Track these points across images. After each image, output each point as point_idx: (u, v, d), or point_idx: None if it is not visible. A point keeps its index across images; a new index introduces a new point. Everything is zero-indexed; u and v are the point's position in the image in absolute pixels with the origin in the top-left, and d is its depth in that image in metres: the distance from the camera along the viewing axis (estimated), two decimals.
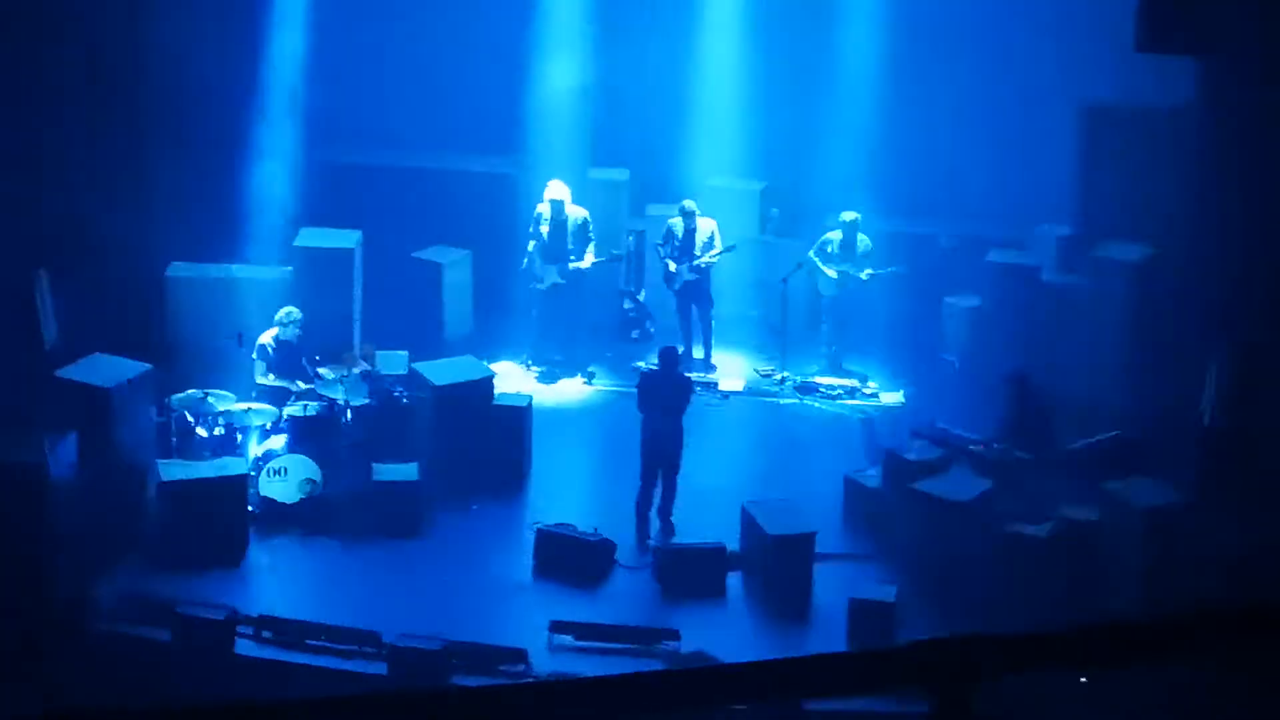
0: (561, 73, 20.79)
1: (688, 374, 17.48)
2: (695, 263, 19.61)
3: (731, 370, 19.85)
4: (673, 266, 19.71)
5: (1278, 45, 15.12)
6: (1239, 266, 15.74)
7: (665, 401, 16.07)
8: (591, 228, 19.38)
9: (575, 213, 19.31)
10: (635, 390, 16.51)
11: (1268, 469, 15.07)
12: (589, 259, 19.33)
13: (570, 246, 19.30)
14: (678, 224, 19.70)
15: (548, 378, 19.31)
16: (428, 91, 21.03)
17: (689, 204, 19.78)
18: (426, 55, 21.09)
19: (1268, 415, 15.19)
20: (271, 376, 17.04)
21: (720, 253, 19.63)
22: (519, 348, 19.54)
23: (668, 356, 16.35)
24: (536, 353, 19.51)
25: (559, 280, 19.32)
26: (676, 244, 19.71)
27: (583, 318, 19.82)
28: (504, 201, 20.14)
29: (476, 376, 17.50)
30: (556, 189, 19.28)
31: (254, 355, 17.08)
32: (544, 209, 19.28)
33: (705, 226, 19.66)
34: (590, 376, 19.46)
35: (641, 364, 19.26)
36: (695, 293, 19.77)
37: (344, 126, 20.33)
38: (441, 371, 17.44)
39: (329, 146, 20.04)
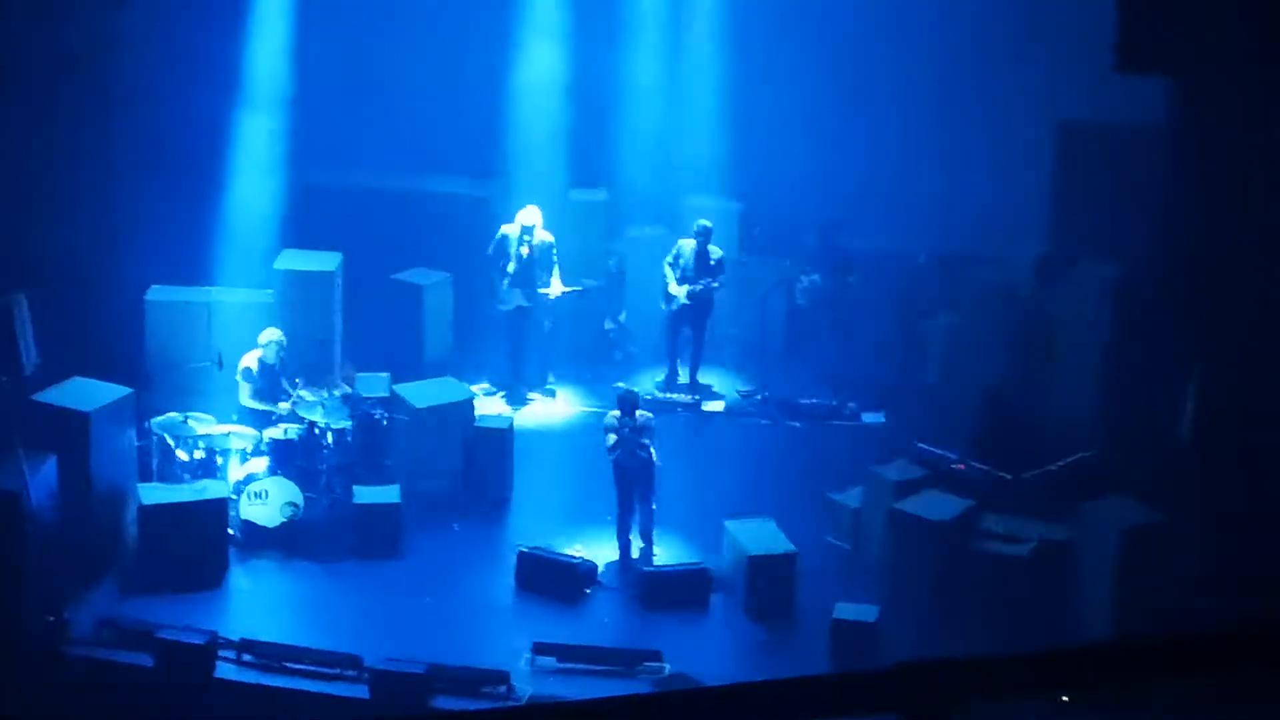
0: (541, 93, 20.82)
1: (668, 396, 17.46)
2: (697, 288, 19.38)
3: (712, 390, 19.84)
4: (676, 290, 19.46)
5: (1253, 66, 15.19)
6: (1213, 284, 15.80)
7: (628, 444, 16.04)
8: (555, 253, 19.26)
9: (542, 238, 19.20)
10: (602, 430, 16.38)
11: (1243, 488, 15.11)
12: (556, 288, 19.15)
13: (537, 272, 19.16)
14: (687, 245, 19.55)
15: (514, 399, 19.22)
16: (407, 114, 21.05)
17: (706, 223, 19.62)
18: (406, 77, 21.11)
19: (1244, 434, 15.23)
20: (255, 400, 17.01)
21: (718, 283, 19.46)
22: (489, 372, 19.48)
23: (626, 402, 16.29)
24: (500, 376, 19.42)
25: (524, 304, 19.22)
26: (683, 265, 19.52)
27: (552, 340, 19.73)
28: (484, 224, 20.11)
29: (457, 398, 17.53)
30: (530, 215, 19.15)
31: (238, 378, 17.04)
32: (511, 231, 19.16)
33: (714, 252, 19.53)
34: (551, 393, 19.38)
35: (621, 384, 19.32)
36: (692, 317, 19.60)
37: (324, 149, 20.33)
38: (422, 393, 17.46)
39: (309, 169, 20.03)
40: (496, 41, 20.78)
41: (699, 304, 19.45)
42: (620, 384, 16.26)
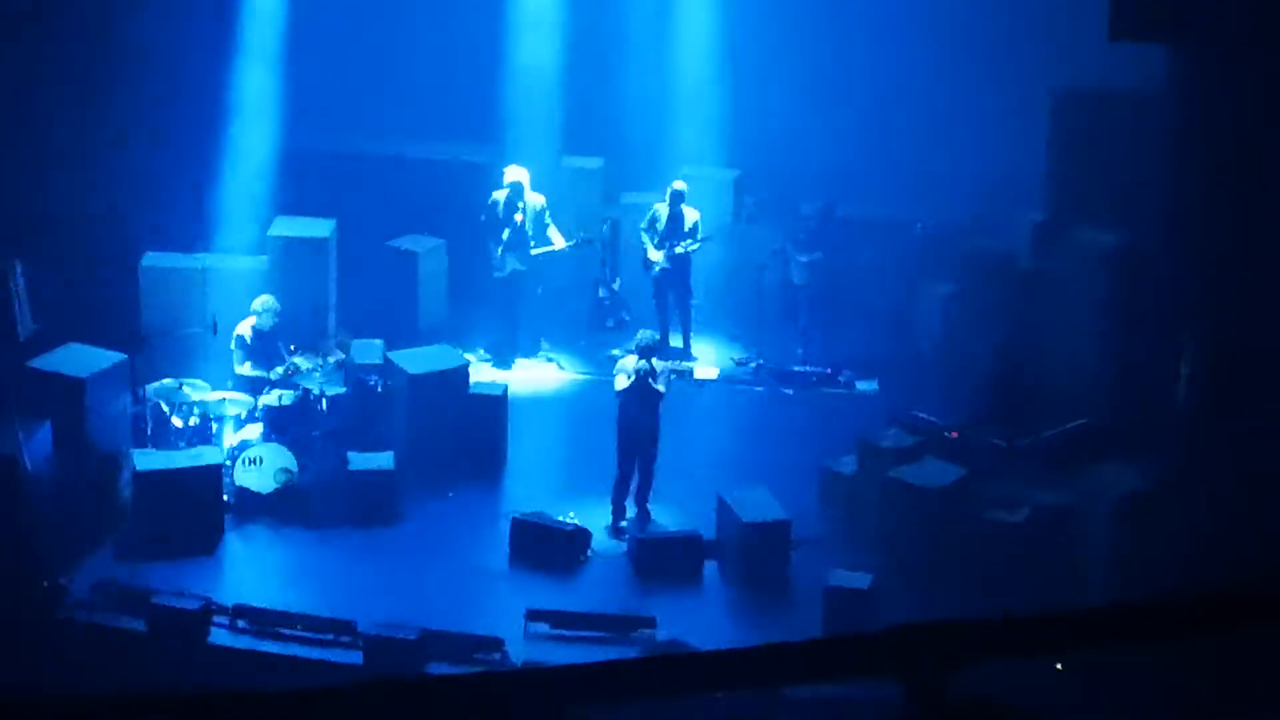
0: (535, 60, 20.77)
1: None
2: (673, 250, 19.53)
3: (707, 358, 19.85)
4: (654, 254, 19.59)
5: (1250, 33, 15.16)
6: (1211, 252, 15.79)
7: (643, 390, 16.03)
8: (549, 215, 19.25)
9: (533, 200, 19.18)
10: (613, 373, 16.40)
11: (1241, 454, 15.12)
12: (560, 242, 19.21)
13: (530, 234, 19.17)
14: (663, 209, 19.60)
15: (501, 363, 19.20)
16: (401, 79, 20.99)
17: (680, 185, 19.63)
18: (400, 42, 21.04)
19: (1240, 401, 15.24)
20: (249, 365, 16.99)
21: (698, 242, 19.55)
22: (483, 338, 19.44)
23: (646, 348, 16.25)
24: (494, 342, 19.40)
25: (519, 267, 19.20)
26: (659, 229, 19.61)
27: (546, 305, 19.73)
28: (479, 190, 20.08)
29: (451, 365, 17.51)
30: (516, 173, 19.15)
31: (232, 345, 17.02)
32: (501, 195, 19.17)
33: (690, 214, 19.57)
34: (550, 358, 19.39)
35: (617, 352, 19.28)
36: (674, 280, 19.70)
37: (318, 115, 20.27)
38: (416, 360, 17.45)
39: (303, 135, 19.97)
40: (493, 5, 20.71)
41: (677, 267, 19.53)
42: (645, 332, 16.28)
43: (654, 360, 16.07)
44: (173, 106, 18.43)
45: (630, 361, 16.13)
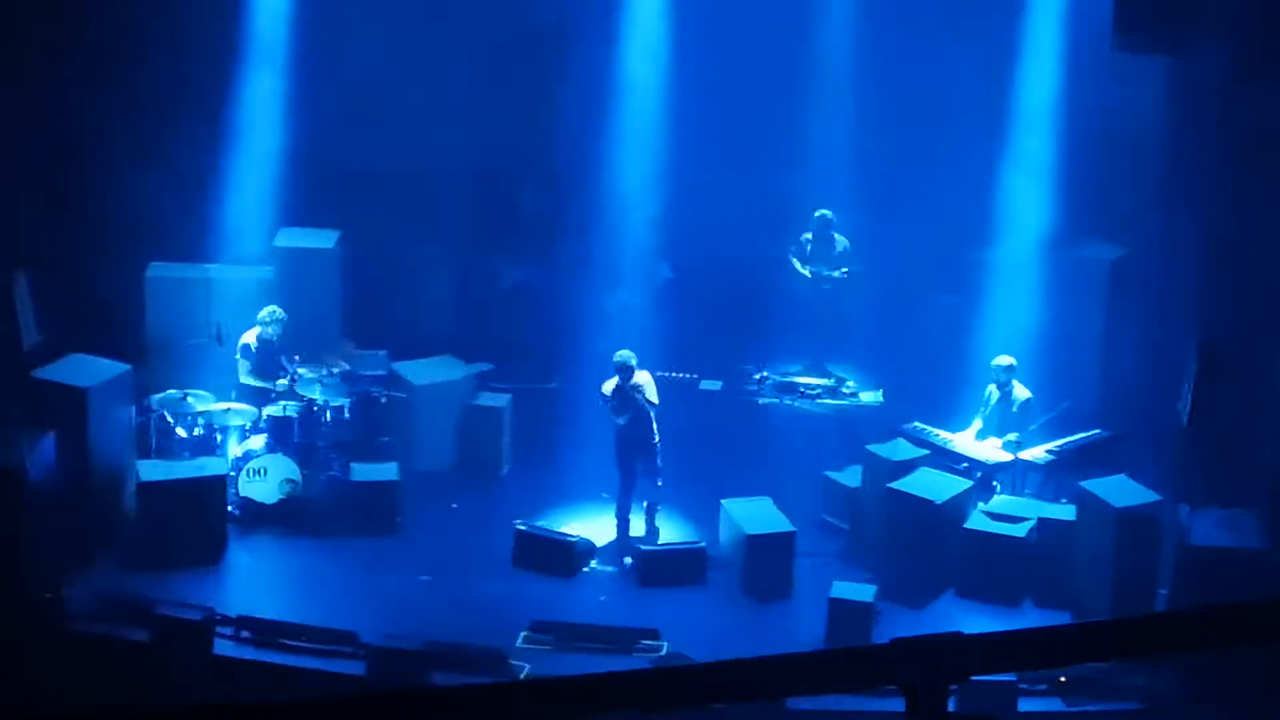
0: (535, 67, 20.81)
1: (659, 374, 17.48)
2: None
3: (711, 370, 19.82)
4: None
5: (1250, 45, 15.17)
6: (1211, 265, 15.80)
7: (628, 409, 16.05)
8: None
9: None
10: (601, 398, 16.41)
11: (1241, 468, 15.13)
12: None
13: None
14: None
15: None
16: (404, 85, 20.99)
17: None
18: (401, 48, 21.04)
19: (1241, 415, 15.24)
20: (253, 376, 16.98)
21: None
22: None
23: (623, 369, 16.28)
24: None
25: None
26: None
27: (554, 315, 19.85)
28: (480, 197, 20.09)
29: (456, 376, 17.53)
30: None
31: (237, 355, 17.03)
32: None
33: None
34: None
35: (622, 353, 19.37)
36: None
37: (322, 122, 20.28)
38: (421, 371, 17.46)
39: (309, 143, 19.97)
40: (496, 13, 20.73)
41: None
42: (620, 352, 16.27)
43: (635, 377, 16.09)
44: (177, 113, 18.43)
45: (610, 385, 16.15)
